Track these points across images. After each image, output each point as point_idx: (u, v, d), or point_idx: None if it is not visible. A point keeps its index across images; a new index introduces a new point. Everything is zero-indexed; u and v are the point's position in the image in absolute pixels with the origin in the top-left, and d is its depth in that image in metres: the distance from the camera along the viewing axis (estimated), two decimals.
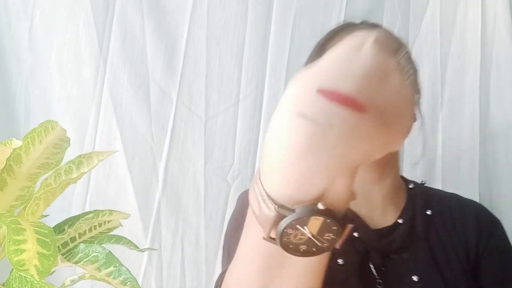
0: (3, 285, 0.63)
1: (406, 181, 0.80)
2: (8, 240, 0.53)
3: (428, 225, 0.74)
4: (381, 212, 0.74)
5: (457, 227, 0.75)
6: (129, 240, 0.75)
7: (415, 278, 0.70)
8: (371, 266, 0.70)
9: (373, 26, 0.81)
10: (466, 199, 0.81)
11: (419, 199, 0.77)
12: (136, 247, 0.75)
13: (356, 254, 0.70)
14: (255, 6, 1.10)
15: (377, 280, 0.70)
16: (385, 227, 0.74)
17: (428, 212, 0.75)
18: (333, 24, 1.12)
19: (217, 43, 1.11)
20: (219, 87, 1.12)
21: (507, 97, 1.09)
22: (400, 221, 0.74)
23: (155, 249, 1.09)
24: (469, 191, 1.07)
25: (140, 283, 0.64)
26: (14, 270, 0.60)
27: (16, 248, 0.53)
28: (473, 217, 0.75)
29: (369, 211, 0.73)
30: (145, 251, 0.92)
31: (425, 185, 0.82)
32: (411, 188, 0.78)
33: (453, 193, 0.84)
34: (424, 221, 0.74)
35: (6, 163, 0.63)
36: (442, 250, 0.73)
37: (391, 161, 0.75)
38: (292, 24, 1.11)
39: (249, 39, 1.11)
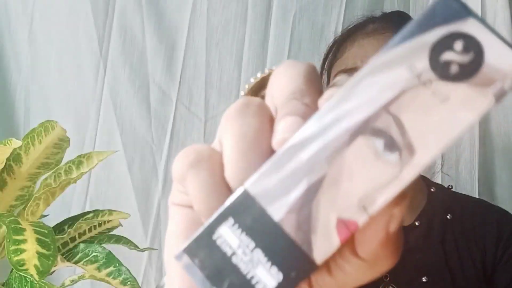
0: (3, 285, 0.63)
1: (429, 184, 0.79)
2: (8, 240, 0.54)
3: (446, 230, 0.74)
4: None
5: (477, 234, 0.74)
6: (129, 240, 0.75)
7: (424, 279, 0.70)
8: None
9: (397, 17, 0.80)
10: (493, 205, 0.80)
11: (440, 203, 0.76)
12: (136, 247, 0.75)
13: None
14: (255, 7, 1.10)
15: (384, 274, 0.69)
16: (401, 227, 0.72)
17: (448, 217, 0.75)
18: (332, 24, 1.13)
19: (217, 44, 1.11)
20: (218, 87, 1.12)
21: (507, 97, 1.09)
22: (416, 223, 0.73)
23: (155, 249, 1.09)
24: (469, 191, 1.07)
25: (140, 283, 0.65)
26: (14, 270, 0.60)
27: (16, 248, 0.53)
28: (494, 224, 0.74)
29: None
30: (145, 251, 0.92)
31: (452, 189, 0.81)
32: (432, 191, 0.77)
33: (481, 199, 0.82)
34: (441, 225, 0.74)
35: (6, 163, 0.63)
36: (458, 255, 0.72)
37: None
38: (291, 25, 1.11)
39: (249, 40, 1.11)
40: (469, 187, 1.08)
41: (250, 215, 0.19)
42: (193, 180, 0.21)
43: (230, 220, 0.19)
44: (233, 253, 0.19)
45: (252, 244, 0.19)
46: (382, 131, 0.18)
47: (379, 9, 1.12)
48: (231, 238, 0.19)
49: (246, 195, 0.19)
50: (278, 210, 0.19)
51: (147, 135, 1.11)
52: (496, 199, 1.10)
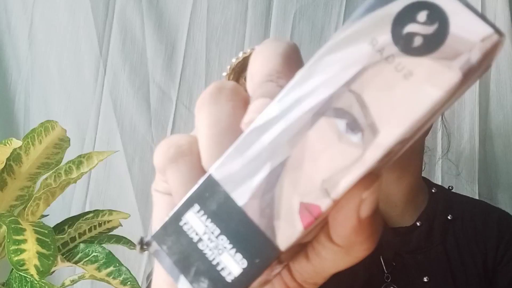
0: (3, 285, 0.63)
1: (430, 185, 0.79)
2: (8, 240, 0.54)
3: (447, 230, 0.74)
4: (399, 212, 0.74)
5: (477, 234, 0.74)
6: (129, 240, 0.75)
7: (425, 279, 0.70)
8: (382, 260, 0.70)
9: None
10: (493, 206, 0.80)
11: (441, 203, 0.76)
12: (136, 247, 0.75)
13: None
14: (255, 6, 1.10)
15: (385, 274, 0.70)
16: (402, 227, 0.74)
17: (449, 217, 0.75)
18: (333, 24, 1.13)
19: (217, 44, 1.11)
20: None
21: (507, 97, 1.09)
22: (418, 223, 0.74)
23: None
24: (469, 191, 1.07)
25: (140, 283, 0.65)
26: (14, 270, 0.60)
27: (16, 248, 0.53)
28: (495, 225, 0.75)
29: (387, 209, 0.73)
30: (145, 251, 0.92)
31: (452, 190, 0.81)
32: (433, 192, 0.78)
33: (481, 200, 0.82)
34: (443, 226, 0.74)
35: (6, 163, 0.63)
36: (459, 256, 0.73)
37: (411, 163, 0.75)
38: (291, 24, 1.11)
39: (249, 39, 1.11)
40: (469, 187, 1.08)
41: (215, 201, 0.19)
42: (172, 174, 0.21)
43: (196, 207, 0.19)
44: (199, 240, 0.19)
45: (217, 231, 0.19)
46: (344, 111, 0.18)
47: None
48: (197, 225, 0.19)
49: (211, 181, 0.19)
50: (242, 195, 0.19)
51: (147, 135, 1.11)
52: (496, 200, 1.10)
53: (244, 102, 0.21)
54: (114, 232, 0.74)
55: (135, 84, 1.11)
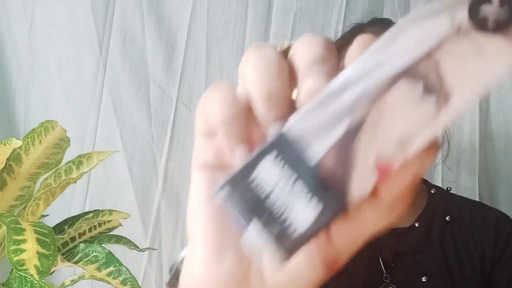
0: (3, 285, 0.63)
1: (429, 186, 0.80)
2: (8, 240, 0.54)
3: (445, 231, 0.74)
4: None
5: (475, 235, 0.75)
6: (129, 240, 0.75)
7: (424, 279, 0.71)
8: (381, 261, 0.71)
9: (384, 23, 0.80)
10: (491, 207, 0.81)
11: (439, 204, 0.76)
12: (136, 247, 0.75)
13: (367, 247, 0.70)
14: (255, 6, 1.10)
15: (384, 275, 0.70)
16: (401, 228, 0.74)
17: (447, 218, 0.75)
18: (333, 24, 1.13)
19: (217, 43, 1.11)
20: None
21: (507, 97, 1.09)
22: (416, 224, 0.74)
23: (155, 249, 1.09)
24: (470, 191, 1.07)
25: (140, 283, 0.65)
26: (14, 270, 0.60)
27: (16, 248, 0.53)
28: (493, 226, 0.75)
29: None
30: (145, 251, 0.92)
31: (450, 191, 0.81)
32: (432, 193, 0.78)
33: (478, 202, 0.82)
34: (441, 226, 0.74)
35: (6, 163, 0.63)
36: (457, 256, 0.73)
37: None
38: (292, 24, 1.11)
39: (249, 39, 1.11)
40: (470, 187, 1.08)
41: (290, 153, 0.20)
42: (229, 130, 0.21)
43: (271, 156, 0.20)
44: (275, 185, 0.20)
45: (293, 176, 0.20)
46: (423, 75, 0.19)
47: (379, 9, 1.11)
48: (273, 173, 0.20)
49: (289, 132, 0.20)
50: (319, 149, 0.20)
51: (147, 135, 1.11)
52: (497, 200, 1.10)
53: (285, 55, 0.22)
54: (114, 232, 0.74)
55: (135, 83, 1.11)
